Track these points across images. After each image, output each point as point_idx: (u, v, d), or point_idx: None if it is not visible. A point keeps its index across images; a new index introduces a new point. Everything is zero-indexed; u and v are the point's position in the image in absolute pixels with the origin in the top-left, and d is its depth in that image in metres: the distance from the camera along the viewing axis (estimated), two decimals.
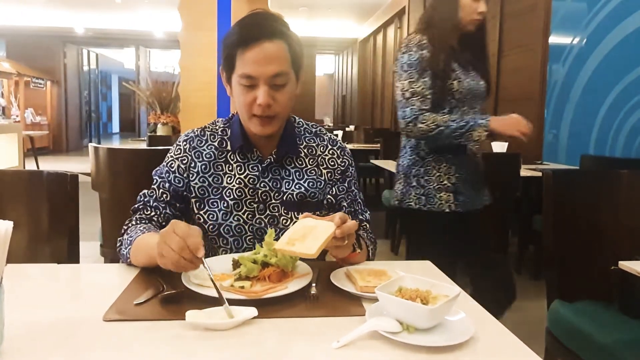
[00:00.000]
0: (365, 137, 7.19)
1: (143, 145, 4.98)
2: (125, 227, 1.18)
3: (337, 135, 6.17)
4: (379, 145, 5.10)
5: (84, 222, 2.64)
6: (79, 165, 9.13)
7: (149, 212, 1.20)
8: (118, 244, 1.16)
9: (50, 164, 10.17)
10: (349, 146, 6.34)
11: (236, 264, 1.00)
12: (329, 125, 11.39)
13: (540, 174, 3.35)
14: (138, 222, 1.18)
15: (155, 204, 1.21)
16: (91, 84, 16.62)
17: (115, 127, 24.35)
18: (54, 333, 0.77)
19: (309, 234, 0.93)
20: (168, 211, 1.21)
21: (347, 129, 8.72)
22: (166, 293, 0.89)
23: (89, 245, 2.92)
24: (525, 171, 3.33)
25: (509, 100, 5.30)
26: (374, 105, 12.01)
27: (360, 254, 1.12)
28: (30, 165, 8.19)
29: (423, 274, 1.09)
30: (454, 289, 0.83)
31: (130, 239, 1.10)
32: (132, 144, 6.71)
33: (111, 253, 2.50)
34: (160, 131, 5.23)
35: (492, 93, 5.58)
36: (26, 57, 12.95)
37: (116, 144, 17.62)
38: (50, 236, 1.39)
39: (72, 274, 1.11)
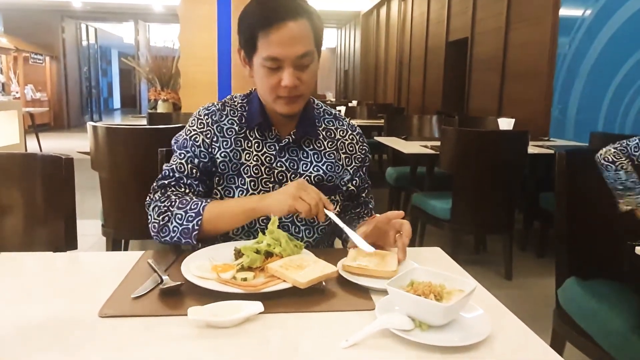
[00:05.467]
0: (368, 113, 7.09)
1: (144, 122, 4.92)
2: (163, 206, 1.09)
3: (340, 111, 6.07)
4: (382, 121, 5.02)
5: (87, 200, 2.61)
6: (81, 142, 9.08)
7: (182, 189, 1.14)
8: (162, 221, 1.08)
9: (51, 141, 10.12)
10: (352, 122, 6.30)
11: (238, 254, 0.96)
12: (331, 101, 11.25)
13: (547, 150, 3.31)
14: (176, 196, 1.11)
15: (189, 181, 1.14)
16: (90, 59, 16.41)
17: (117, 102, 24.18)
18: (46, 331, 0.73)
19: (307, 267, 0.89)
20: (200, 189, 1.16)
21: (349, 104, 8.60)
22: (166, 286, 0.85)
23: (92, 224, 2.90)
24: (532, 148, 3.27)
25: (517, 75, 5.19)
26: (376, 80, 11.85)
27: None
28: (32, 143, 8.14)
29: (434, 262, 1.05)
30: (469, 282, 0.79)
31: (194, 211, 1.06)
32: (132, 120, 6.63)
33: (113, 232, 2.47)
34: (161, 108, 5.15)
35: (498, 67, 5.51)
36: (24, 32, 12.75)
37: (117, 120, 17.53)
38: (47, 221, 1.35)
39: (69, 264, 1.07)
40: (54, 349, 0.68)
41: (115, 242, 2.50)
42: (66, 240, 1.34)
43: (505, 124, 3.42)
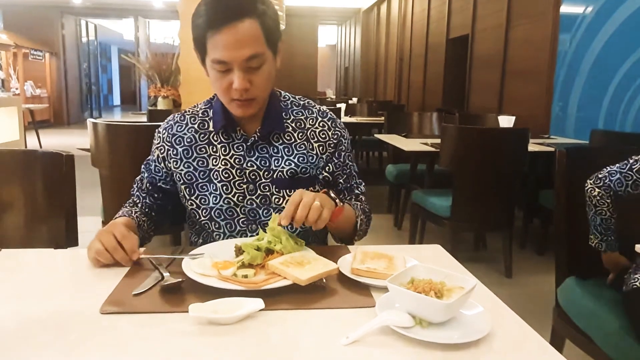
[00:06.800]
0: (368, 110, 7.09)
1: (144, 119, 4.91)
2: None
3: (340, 108, 6.07)
4: (382, 118, 5.01)
5: (87, 196, 2.61)
6: (81, 139, 9.06)
7: (135, 199, 1.25)
8: None
9: (51, 138, 10.11)
10: (352, 119, 6.29)
11: (239, 251, 0.96)
12: (331, 98, 11.24)
13: (547, 148, 3.30)
14: (128, 205, 1.23)
15: (137, 192, 1.25)
16: (90, 56, 16.38)
17: (116, 99, 24.15)
18: (47, 328, 0.73)
19: (307, 264, 0.90)
20: (147, 200, 1.24)
21: (350, 101, 8.59)
22: (167, 283, 0.85)
23: (93, 220, 2.90)
24: (532, 145, 3.27)
25: (517, 73, 5.18)
26: (377, 77, 11.84)
27: (343, 208, 1.07)
28: (31, 139, 8.13)
29: (434, 260, 1.05)
30: (469, 280, 0.79)
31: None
32: (133, 117, 6.63)
33: None
34: (161, 105, 5.14)
35: (499, 65, 5.50)
36: (24, 28, 12.72)
37: (117, 117, 17.51)
38: (47, 217, 1.35)
39: (69, 260, 1.06)
40: (55, 345, 0.69)
41: None
42: (67, 237, 1.35)
43: (506, 121, 3.41)
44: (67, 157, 1.33)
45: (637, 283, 1.38)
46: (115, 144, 2.32)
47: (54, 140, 9.83)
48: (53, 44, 13.66)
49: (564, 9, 4.34)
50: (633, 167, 1.45)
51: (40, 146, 8.08)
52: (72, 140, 9.63)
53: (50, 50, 13.58)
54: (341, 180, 1.25)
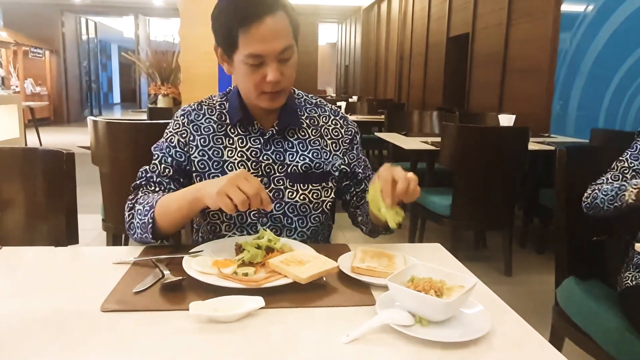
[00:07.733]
0: (368, 109, 7.09)
1: (144, 117, 4.91)
2: (130, 204, 1.13)
3: (340, 106, 6.07)
4: (382, 116, 5.01)
5: (87, 194, 2.61)
6: (81, 137, 9.06)
7: (152, 187, 1.16)
8: (128, 218, 1.11)
9: (51, 136, 10.11)
10: (352, 117, 6.28)
11: (239, 249, 0.96)
12: (331, 96, 11.24)
13: (547, 147, 3.30)
14: (146, 194, 1.14)
15: (158, 179, 1.16)
16: (90, 54, 16.37)
17: (116, 97, 24.15)
18: (48, 326, 0.73)
19: (307, 262, 0.90)
20: (172, 186, 1.17)
21: (350, 100, 8.59)
22: (167, 281, 0.85)
23: (92, 218, 2.90)
24: (532, 144, 3.27)
25: (518, 71, 5.18)
26: (377, 75, 11.83)
27: None
28: (32, 137, 8.13)
29: (434, 258, 1.06)
30: (469, 279, 0.79)
31: (149, 204, 1.06)
32: (133, 115, 6.63)
33: (113, 227, 2.47)
34: (161, 103, 5.14)
35: (499, 63, 5.49)
36: (24, 26, 12.71)
37: (117, 115, 17.51)
38: (48, 215, 1.35)
39: (70, 258, 1.07)
40: (56, 343, 0.69)
41: (116, 237, 2.50)
42: (67, 235, 1.34)
43: (506, 120, 3.41)
44: (68, 155, 1.33)
45: (629, 281, 1.41)
46: (116, 141, 2.32)
47: (54, 138, 9.83)
48: (53, 42, 13.65)
49: (565, 7, 4.33)
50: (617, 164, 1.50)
51: (41, 144, 8.08)
52: (72, 138, 9.64)
53: (51, 48, 13.57)
54: (360, 170, 1.28)
